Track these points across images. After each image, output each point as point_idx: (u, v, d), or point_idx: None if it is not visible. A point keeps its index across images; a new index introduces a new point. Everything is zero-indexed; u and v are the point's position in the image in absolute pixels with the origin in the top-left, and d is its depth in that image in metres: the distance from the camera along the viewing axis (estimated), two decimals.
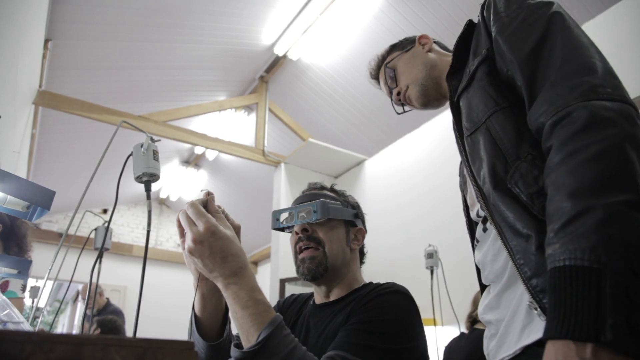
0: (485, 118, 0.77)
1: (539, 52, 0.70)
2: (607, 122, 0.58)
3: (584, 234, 0.52)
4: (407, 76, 1.04)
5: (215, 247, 0.72)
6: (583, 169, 0.56)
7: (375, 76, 1.16)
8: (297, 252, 1.01)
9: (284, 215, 1.03)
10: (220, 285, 0.73)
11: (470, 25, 0.91)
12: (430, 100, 1.02)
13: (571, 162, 0.58)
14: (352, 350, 0.78)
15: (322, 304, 1.02)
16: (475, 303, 2.26)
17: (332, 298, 1.01)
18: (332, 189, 1.11)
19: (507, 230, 0.70)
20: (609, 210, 0.52)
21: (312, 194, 1.06)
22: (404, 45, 1.10)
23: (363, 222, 1.13)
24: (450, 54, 1.04)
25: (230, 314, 0.74)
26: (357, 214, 1.10)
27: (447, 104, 0.99)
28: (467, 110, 0.83)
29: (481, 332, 2.00)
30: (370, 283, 1.02)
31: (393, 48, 1.12)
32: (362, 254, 1.12)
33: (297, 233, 1.01)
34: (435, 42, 1.09)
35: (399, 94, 1.05)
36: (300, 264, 1.00)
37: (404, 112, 1.11)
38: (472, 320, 2.26)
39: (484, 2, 0.85)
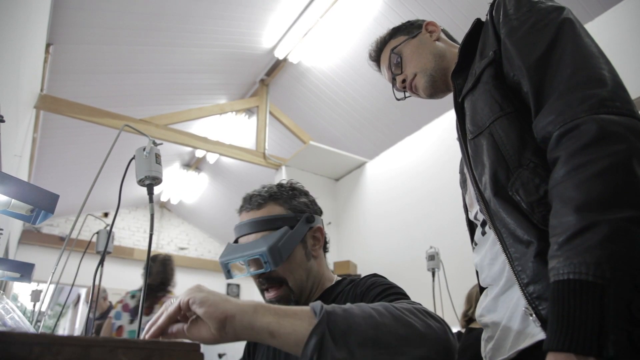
0: (490, 123, 0.76)
1: (548, 59, 0.69)
2: (616, 137, 0.58)
3: (589, 248, 0.53)
4: (414, 64, 1.00)
5: (211, 291, 0.61)
6: (589, 183, 0.56)
7: (375, 58, 1.12)
8: (262, 292, 0.94)
9: (233, 264, 0.92)
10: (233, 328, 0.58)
11: (478, 24, 0.89)
12: (437, 92, 1.00)
13: (578, 176, 0.58)
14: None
15: None
16: (470, 300, 2.23)
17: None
18: (275, 197, 0.96)
19: (508, 237, 0.71)
20: (614, 226, 0.52)
21: (254, 223, 0.92)
22: (410, 30, 1.06)
23: (318, 213, 1.01)
24: (458, 45, 1.02)
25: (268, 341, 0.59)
26: (309, 217, 0.95)
27: (449, 97, 0.98)
28: (471, 112, 0.82)
29: (480, 333, 1.98)
30: (345, 279, 0.98)
31: (397, 31, 1.08)
32: (324, 248, 1.02)
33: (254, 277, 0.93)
34: (442, 31, 1.06)
35: (403, 81, 1.02)
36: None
37: (405, 98, 1.08)
38: (468, 319, 2.21)
39: (494, 2, 0.84)
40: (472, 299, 2.21)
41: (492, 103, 0.77)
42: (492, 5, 0.84)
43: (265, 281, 0.91)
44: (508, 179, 0.71)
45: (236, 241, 0.96)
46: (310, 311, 0.59)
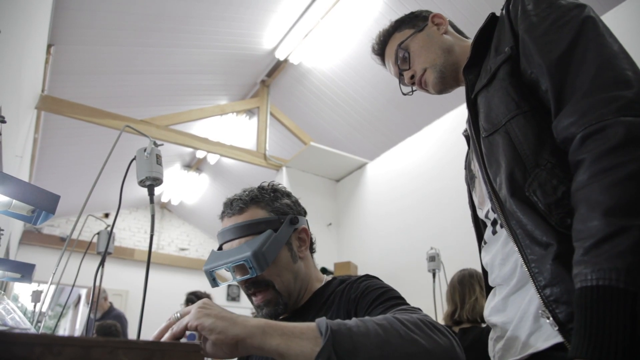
0: (506, 121, 0.75)
1: (570, 58, 0.68)
2: None
3: (620, 254, 0.52)
4: (423, 60, 0.97)
5: (219, 308, 0.63)
6: (618, 187, 0.55)
7: (379, 52, 1.08)
8: (249, 296, 0.93)
9: (219, 270, 0.90)
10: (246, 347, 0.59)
11: (492, 19, 0.87)
12: (446, 87, 0.97)
13: (605, 180, 0.57)
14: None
15: (286, 317, 0.95)
16: (454, 301, 2.06)
17: (294, 308, 0.95)
18: (257, 200, 0.94)
19: (524, 238, 0.69)
20: None
21: (237, 229, 0.90)
22: (415, 23, 1.02)
23: (302, 214, 0.99)
24: (465, 38, 1.01)
25: None
26: (293, 218, 0.94)
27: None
28: (485, 109, 0.80)
29: (477, 332, 1.91)
30: (334, 279, 0.96)
31: (401, 24, 1.04)
32: (311, 249, 1.01)
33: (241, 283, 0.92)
34: (449, 23, 1.03)
35: (412, 77, 0.99)
36: (258, 310, 0.92)
37: (412, 92, 1.05)
38: (455, 321, 2.05)
39: None
40: (457, 300, 2.06)
41: (509, 101, 0.75)
42: (508, 0, 0.82)
43: (252, 286, 0.90)
44: (525, 179, 0.70)
45: (220, 248, 0.95)
46: (316, 330, 0.60)
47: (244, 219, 0.91)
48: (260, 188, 0.97)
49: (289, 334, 0.59)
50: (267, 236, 0.87)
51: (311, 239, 1.00)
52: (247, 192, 0.95)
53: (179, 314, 0.63)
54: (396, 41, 1.02)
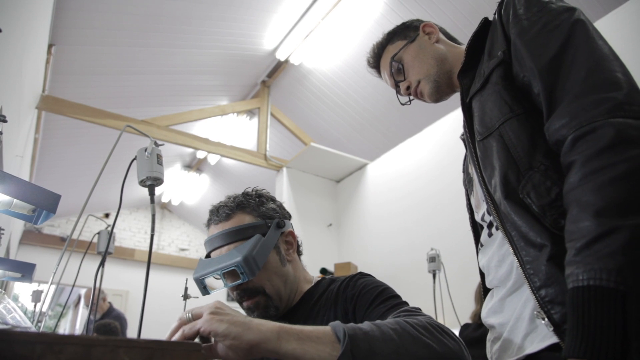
0: (499, 124, 0.75)
1: (561, 61, 0.68)
2: (633, 142, 0.57)
3: (610, 254, 0.52)
4: (417, 70, 0.98)
5: (232, 311, 0.63)
6: (608, 188, 0.56)
7: (375, 65, 1.09)
8: (239, 302, 0.93)
9: (209, 278, 0.90)
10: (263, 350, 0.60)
11: (485, 23, 0.88)
12: (442, 96, 0.99)
13: (595, 180, 0.57)
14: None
15: (277, 319, 0.94)
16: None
17: (285, 310, 0.96)
18: (243, 205, 0.95)
19: (519, 240, 0.70)
20: (635, 232, 0.52)
21: (225, 235, 0.91)
22: (407, 34, 1.03)
23: (287, 218, 1.01)
24: (458, 45, 1.02)
25: None
26: (279, 222, 0.95)
27: (451, 100, 0.98)
28: (480, 113, 0.81)
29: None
30: (324, 279, 0.98)
31: (393, 36, 1.05)
32: (298, 251, 1.02)
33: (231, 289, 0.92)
34: (440, 30, 1.04)
35: (408, 87, 1.00)
36: (249, 312, 0.92)
37: (410, 102, 1.06)
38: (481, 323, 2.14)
39: (502, 1, 0.82)
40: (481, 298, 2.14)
41: (502, 104, 0.76)
42: (500, 5, 0.83)
43: (243, 292, 0.90)
44: (519, 182, 0.71)
45: (208, 256, 0.95)
46: (332, 335, 0.61)
47: (231, 225, 0.92)
48: (245, 194, 0.98)
49: (304, 338, 0.60)
50: (256, 241, 0.88)
51: (298, 241, 1.01)
52: (232, 199, 0.96)
53: (190, 315, 0.63)
54: (389, 54, 1.03)
